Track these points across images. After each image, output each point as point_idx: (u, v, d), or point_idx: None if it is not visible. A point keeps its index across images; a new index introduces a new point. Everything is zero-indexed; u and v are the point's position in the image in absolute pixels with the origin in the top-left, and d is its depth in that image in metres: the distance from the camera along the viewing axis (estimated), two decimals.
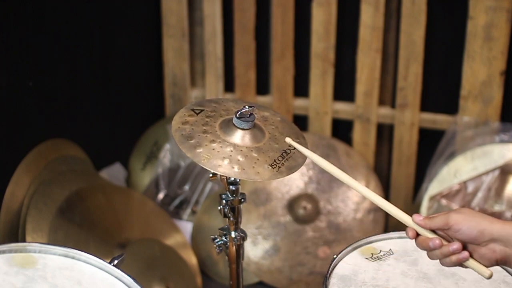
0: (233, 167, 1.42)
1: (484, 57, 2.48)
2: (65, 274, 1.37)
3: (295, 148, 1.50)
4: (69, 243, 2.09)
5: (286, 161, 1.47)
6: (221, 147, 1.45)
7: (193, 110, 1.53)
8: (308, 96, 2.75)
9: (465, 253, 1.22)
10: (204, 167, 1.42)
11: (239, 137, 1.47)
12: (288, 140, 1.49)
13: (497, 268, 1.49)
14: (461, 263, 1.24)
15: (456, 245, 1.22)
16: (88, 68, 2.59)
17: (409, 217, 1.29)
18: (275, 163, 1.45)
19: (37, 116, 2.34)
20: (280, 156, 1.47)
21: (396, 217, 1.31)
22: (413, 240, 1.31)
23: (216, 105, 1.57)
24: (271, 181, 2.59)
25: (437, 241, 1.23)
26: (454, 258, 1.23)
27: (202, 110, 1.53)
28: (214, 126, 1.49)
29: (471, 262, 1.23)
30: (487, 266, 1.24)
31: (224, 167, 1.42)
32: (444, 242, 1.24)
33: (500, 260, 1.22)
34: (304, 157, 1.50)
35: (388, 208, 1.33)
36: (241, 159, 1.44)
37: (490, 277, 1.22)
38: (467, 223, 1.21)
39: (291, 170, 1.46)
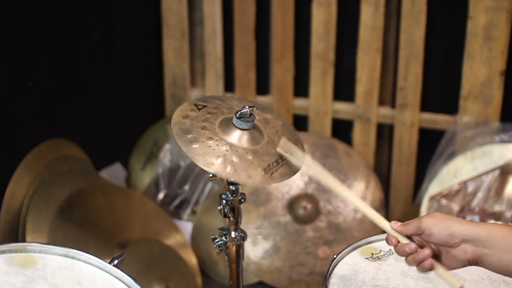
0: (225, 167, 1.41)
1: (484, 57, 2.48)
2: (65, 274, 1.37)
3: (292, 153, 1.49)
4: (69, 243, 2.08)
5: (281, 168, 1.45)
6: (217, 145, 1.44)
7: (196, 105, 1.52)
8: (308, 96, 2.75)
9: (429, 262, 1.25)
10: (197, 163, 1.41)
11: (237, 137, 1.46)
12: (279, 150, 1.46)
13: None
14: (431, 270, 1.26)
15: (426, 251, 1.25)
16: (88, 68, 2.59)
17: (389, 224, 1.32)
18: (268, 168, 1.44)
19: (37, 116, 2.34)
20: (275, 161, 1.46)
21: (378, 225, 1.33)
22: None
23: (220, 102, 1.56)
24: None
25: (412, 245, 1.27)
26: (422, 264, 1.26)
27: (204, 106, 1.52)
28: (214, 123, 1.48)
29: (441, 273, 1.25)
30: (459, 267, 1.26)
31: (217, 166, 1.41)
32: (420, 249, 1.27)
33: (471, 260, 1.24)
34: (300, 165, 1.48)
35: (371, 215, 1.34)
36: (235, 160, 1.43)
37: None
38: (437, 227, 1.24)
39: (284, 177, 1.45)
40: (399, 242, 1.30)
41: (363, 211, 1.35)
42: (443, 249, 1.26)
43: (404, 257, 1.30)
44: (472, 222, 1.24)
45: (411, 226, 1.28)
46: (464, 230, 1.23)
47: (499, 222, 2.39)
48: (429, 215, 1.27)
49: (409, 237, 1.29)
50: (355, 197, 1.37)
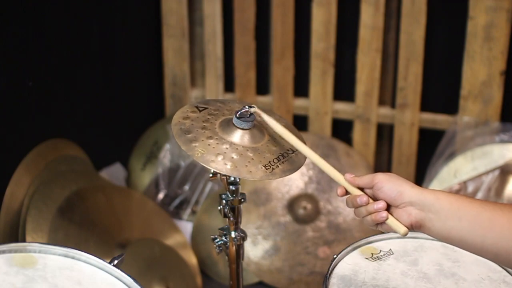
0: (225, 164, 1.42)
1: (484, 57, 2.49)
2: (65, 274, 1.37)
3: (293, 152, 1.49)
4: (69, 243, 2.09)
5: (282, 164, 1.46)
6: (217, 143, 1.45)
7: (197, 107, 1.53)
8: (308, 96, 2.75)
9: (384, 213, 1.28)
10: (197, 161, 1.42)
11: (238, 136, 1.47)
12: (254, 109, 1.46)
13: (497, 268, 1.50)
14: (380, 223, 1.30)
15: (381, 204, 1.29)
16: (88, 68, 2.59)
17: (341, 176, 1.36)
18: (269, 164, 1.45)
19: (37, 116, 2.34)
20: (276, 158, 1.47)
21: (331, 176, 1.38)
22: (413, 240, 1.42)
23: (221, 105, 1.57)
24: (271, 181, 2.59)
25: (364, 198, 1.31)
26: (374, 216, 1.29)
27: (205, 108, 1.54)
28: (214, 124, 1.49)
29: (389, 219, 1.29)
30: None
31: (217, 163, 1.41)
32: (371, 201, 1.31)
33: (414, 223, 1.27)
34: (301, 162, 1.49)
35: (324, 166, 1.39)
36: (235, 157, 1.43)
37: (405, 234, 1.27)
38: (389, 183, 1.29)
39: (285, 173, 1.46)
40: (346, 193, 1.34)
41: (318, 164, 1.39)
42: (389, 207, 1.29)
43: (353, 209, 1.34)
44: (421, 188, 1.28)
45: (364, 178, 1.32)
46: (413, 193, 1.26)
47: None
48: (384, 173, 1.31)
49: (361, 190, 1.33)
50: (312, 153, 1.42)
